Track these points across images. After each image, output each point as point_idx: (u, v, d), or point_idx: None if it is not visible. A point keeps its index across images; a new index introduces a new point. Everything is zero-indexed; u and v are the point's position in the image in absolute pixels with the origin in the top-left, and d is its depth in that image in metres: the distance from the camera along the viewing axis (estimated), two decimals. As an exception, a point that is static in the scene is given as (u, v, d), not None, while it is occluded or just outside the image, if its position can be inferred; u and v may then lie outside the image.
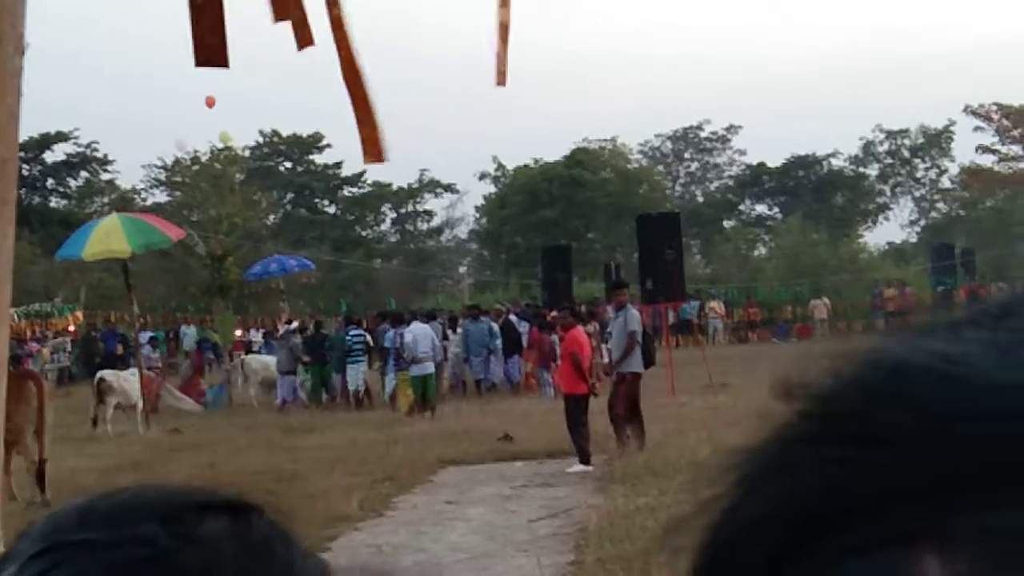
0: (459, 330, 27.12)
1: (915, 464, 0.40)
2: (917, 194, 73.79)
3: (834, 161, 72.73)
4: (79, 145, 61.73)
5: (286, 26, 3.51)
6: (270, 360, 27.33)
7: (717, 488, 0.47)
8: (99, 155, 62.58)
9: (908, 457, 0.40)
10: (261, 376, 26.39)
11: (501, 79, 3.58)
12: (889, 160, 73.69)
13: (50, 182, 62.16)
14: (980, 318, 0.44)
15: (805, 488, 0.43)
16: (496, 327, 26.94)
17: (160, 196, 60.46)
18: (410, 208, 71.98)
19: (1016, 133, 63.39)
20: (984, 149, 64.64)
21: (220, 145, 50.72)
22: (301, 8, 3.15)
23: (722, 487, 0.47)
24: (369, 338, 25.93)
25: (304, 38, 3.26)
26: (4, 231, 2.30)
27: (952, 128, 70.26)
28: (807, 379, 0.46)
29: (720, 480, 0.47)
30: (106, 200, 58.55)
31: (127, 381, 22.15)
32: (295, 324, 27.71)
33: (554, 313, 22.76)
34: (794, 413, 0.45)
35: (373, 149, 3.69)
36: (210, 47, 3.06)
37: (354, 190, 69.59)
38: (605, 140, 70.53)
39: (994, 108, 63.73)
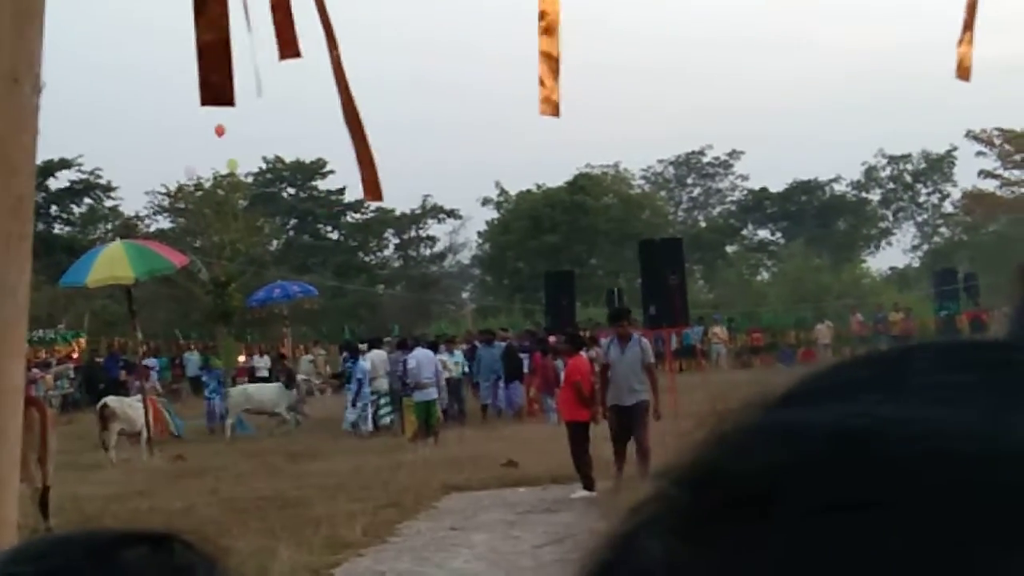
0: (456, 353, 27.24)
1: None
2: (919, 219, 73.92)
3: (836, 186, 72.98)
4: (83, 172, 61.83)
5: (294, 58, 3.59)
6: (253, 389, 27.23)
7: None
8: (103, 182, 62.67)
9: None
10: (243, 408, 26.00)
11: (547, 109, 3.63)
12: (891, 185, 73.85)
13: (54, 209, 62.25)
14: (876, 380, 0.43)
15: None
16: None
17: (164, 222, 60.60)
18: (413, 234, 72.08)
19: (1018, 158, 63.49)
20: (986, 174, 64.78)
21: (226, 172, 50.92)
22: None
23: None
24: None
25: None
26: (21, 266, 2.35)
27: (954, 153, 70.47)
28: (722, 460, 0.44)
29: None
30: (110, 227, 58.69)
31: (131, 408, 22.16)
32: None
33: (552, 339, 22.93)
34: (736, 498, 0.42)
35: (373, 188, 3.75)
36: (215, 86, 3.10)
37: (357, 216, 69.71)
38: (607, 166, 70.75)
39: (996, 133, 63.88)
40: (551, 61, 3.67)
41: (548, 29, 3.65)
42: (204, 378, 29.30)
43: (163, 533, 0.91)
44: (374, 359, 24.84)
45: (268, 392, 26.45)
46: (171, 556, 0.88)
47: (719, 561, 0.41)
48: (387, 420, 24.41)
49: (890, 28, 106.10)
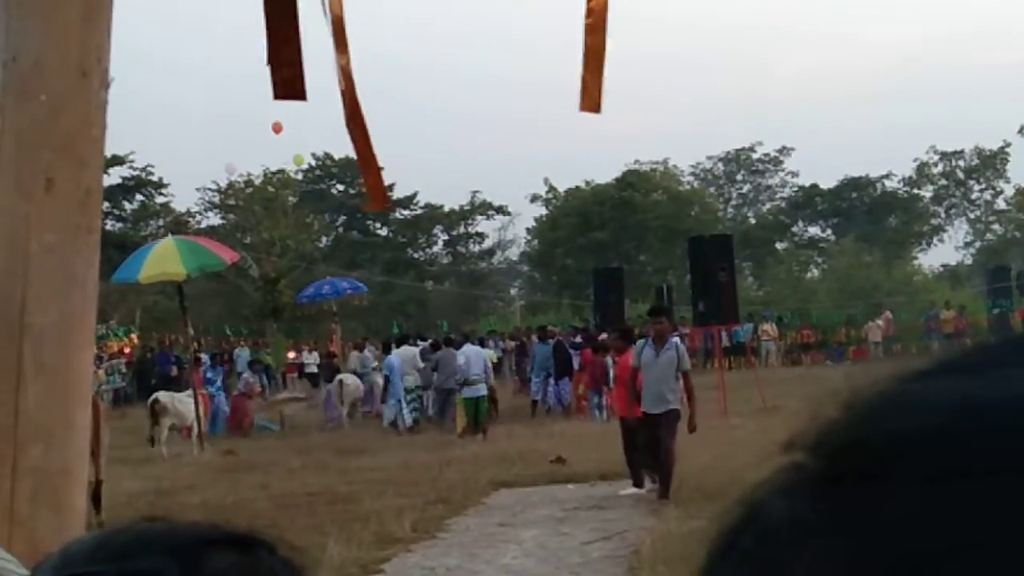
0: (491, 348, 27.34)
1: None
2: (972, 216, 73.13)
3: (888, 183, 72.25)
4: (134, 168, 62.19)
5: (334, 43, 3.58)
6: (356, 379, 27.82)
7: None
8: (154, 178, 63.09)
9: None
10: (354, 397, 26.64)
11: (589, 104, 3.62)
12: (944, 182, 73.09)
13: (106, 205, 62.70)
14: (1012, 358, 0.44)
15: None
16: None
17: (214, 219, 60.88)
18: (462, 230, 72.05)
19: (1073, 154, 62.73)
20: (1040, 170, 64.03)
21: (293, 167, 51.26)
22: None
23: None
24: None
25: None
26: (89, 259, 2.38)
27: (1007, 149, 69.68)
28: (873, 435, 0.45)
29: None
30: (161, 223, 59.02)
31: (182, 403, 22.32)
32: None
33: (603, 335, 22.88)
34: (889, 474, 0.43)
35: (377, 196, 3.76)
36: (288, 80, 3.11)
37: (406, 212, 69.78)
38: (656, 162, 70.46)
39: (1050, 129, 63.18)
40: (596, 57, 3.65)
41: (595, 26, 3.64)
42: (209, 375, 27.59)
43: (248, 535, 0.87)
44: (402, 356, 25.01)
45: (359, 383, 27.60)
46: (258, 563, 0.86)
47: (838, 519, 0.42)
48: (414, 416, 24.50)
49: (941, 21, 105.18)
